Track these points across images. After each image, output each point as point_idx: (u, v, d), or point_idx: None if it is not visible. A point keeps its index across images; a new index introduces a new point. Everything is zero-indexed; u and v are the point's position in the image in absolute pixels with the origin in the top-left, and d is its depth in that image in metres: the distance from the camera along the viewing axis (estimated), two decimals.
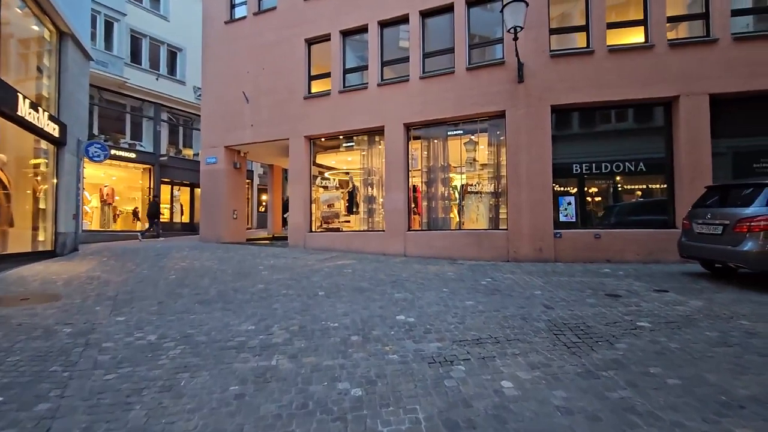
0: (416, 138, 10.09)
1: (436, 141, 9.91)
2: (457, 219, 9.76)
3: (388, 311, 4.62)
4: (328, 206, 11.70)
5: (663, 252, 7.85)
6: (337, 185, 12.09)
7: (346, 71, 10.89)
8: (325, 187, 11.86)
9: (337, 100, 10.67)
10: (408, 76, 9.88)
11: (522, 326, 4.02)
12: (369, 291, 5.66)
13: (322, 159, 11.92)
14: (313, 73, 11.32)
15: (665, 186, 8.28)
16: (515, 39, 7.92)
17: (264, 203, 24.68)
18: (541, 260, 8.32)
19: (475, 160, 9.66)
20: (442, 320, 4.24)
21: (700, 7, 8.25)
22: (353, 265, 7.99)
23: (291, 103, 11.20)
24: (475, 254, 8.82)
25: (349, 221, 11.42)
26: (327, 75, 10.97)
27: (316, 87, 11.27)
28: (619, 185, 8.67)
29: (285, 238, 11.85)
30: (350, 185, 11.56)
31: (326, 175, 12.20)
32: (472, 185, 9.67)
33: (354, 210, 11.31)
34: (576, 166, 8.62)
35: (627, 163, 8.40)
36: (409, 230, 9.77)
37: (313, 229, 11.18)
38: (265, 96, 11.58)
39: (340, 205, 11.58)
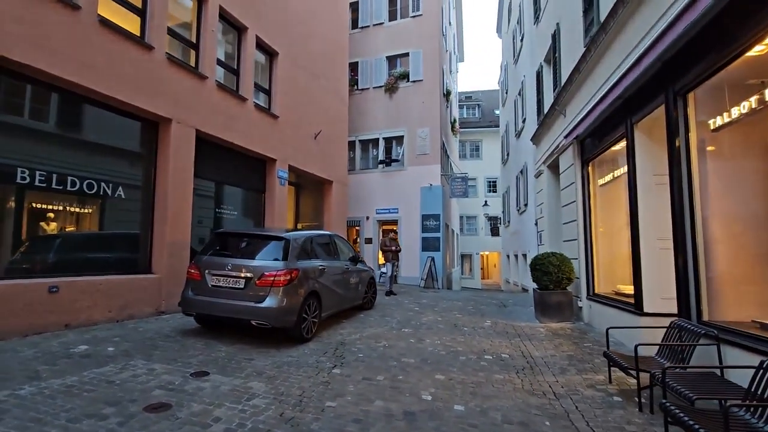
0: None
1: None
2: None
3: None
4: None
5: (139, 303, 6.23)
6: None
7: None
8: None
9: None
10: None
11: None
12: None
13: None
14: None
15: (144, 219, 6.78)
16: None
17: None
18: None
19: None
20: None
21: (194, 36, 7.85)
22: None
23: None
24: None
25: None
26: None
27: None
28: (90, 211, 6.14)
29: None
30: None
31: None
32: None
33: None
34: (23, 172, 5.18)
35: (104, 184, 6.12)
36: None
37: None
38: None
39: None
